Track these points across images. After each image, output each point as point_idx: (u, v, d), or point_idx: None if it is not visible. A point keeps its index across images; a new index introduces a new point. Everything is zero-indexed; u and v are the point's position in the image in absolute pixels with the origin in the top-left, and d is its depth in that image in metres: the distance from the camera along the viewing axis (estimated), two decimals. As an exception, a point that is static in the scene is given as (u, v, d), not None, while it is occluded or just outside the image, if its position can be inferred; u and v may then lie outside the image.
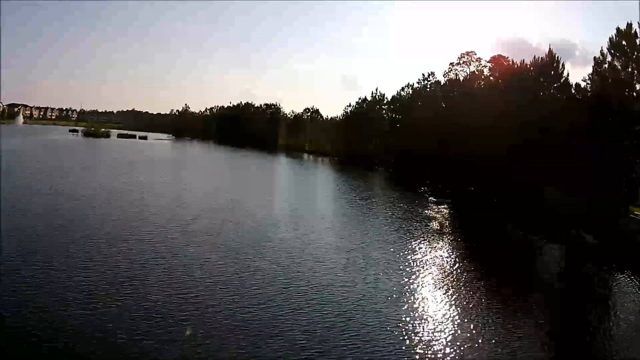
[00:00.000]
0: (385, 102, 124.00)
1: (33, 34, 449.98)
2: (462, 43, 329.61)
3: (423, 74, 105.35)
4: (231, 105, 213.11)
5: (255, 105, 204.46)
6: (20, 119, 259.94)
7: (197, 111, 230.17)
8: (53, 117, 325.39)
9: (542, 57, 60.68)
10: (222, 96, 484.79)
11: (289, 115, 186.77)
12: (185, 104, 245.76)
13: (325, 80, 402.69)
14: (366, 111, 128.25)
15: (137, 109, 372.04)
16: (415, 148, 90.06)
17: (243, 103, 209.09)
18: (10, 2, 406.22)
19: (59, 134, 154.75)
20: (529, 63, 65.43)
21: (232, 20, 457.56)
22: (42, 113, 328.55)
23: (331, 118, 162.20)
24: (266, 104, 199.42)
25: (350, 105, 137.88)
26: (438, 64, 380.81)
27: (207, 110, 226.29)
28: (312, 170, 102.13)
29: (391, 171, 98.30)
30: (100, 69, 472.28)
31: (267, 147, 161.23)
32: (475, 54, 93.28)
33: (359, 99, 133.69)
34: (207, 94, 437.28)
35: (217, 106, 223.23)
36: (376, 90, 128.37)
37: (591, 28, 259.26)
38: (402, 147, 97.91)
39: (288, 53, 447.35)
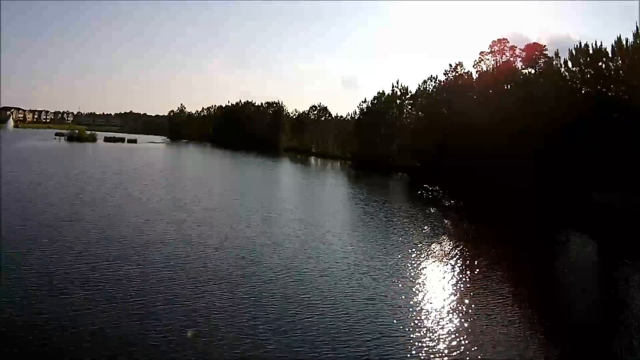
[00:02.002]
0: (408, 96, 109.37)
1: (29, 35, 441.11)
2: (463, 41, 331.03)
3: (450, 64, 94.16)
4: (230, 104, 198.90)
5: (256, 104, 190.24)
6: (11, 122, 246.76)
7: (193, 111, 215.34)
8: (48, 121, 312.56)
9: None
10: (222, 97, 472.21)
11: (292, 115, 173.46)
12: (181, 104, 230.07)
13: (325, 81, 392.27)
14: (385, 108, 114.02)
15: (135, 110, 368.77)
16: (444, 148, 78.63)
17: (242, 102, 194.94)
18: (7, 1, 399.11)
19: (42, 139, 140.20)
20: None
21: (231, 21, 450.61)
22: (36, 116, 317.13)
23: (341, 117, 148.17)
24: (267, 103, 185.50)
25: (365, 101, 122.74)
26: (437, 63, 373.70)
27: (205, 111, 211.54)
28: (323, 178, 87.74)
29: (416, 177, 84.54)
30: (99, 70, 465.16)
31: (269, 150, 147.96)
32: (508, 42, 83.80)
33: (378, 93, 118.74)
34: (206, 95, 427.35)
35: (215, 106, 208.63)
36: (397, 83, 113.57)
37: (590, 23, 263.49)
38: (427, 148, 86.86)
39: (287, 54, 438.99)
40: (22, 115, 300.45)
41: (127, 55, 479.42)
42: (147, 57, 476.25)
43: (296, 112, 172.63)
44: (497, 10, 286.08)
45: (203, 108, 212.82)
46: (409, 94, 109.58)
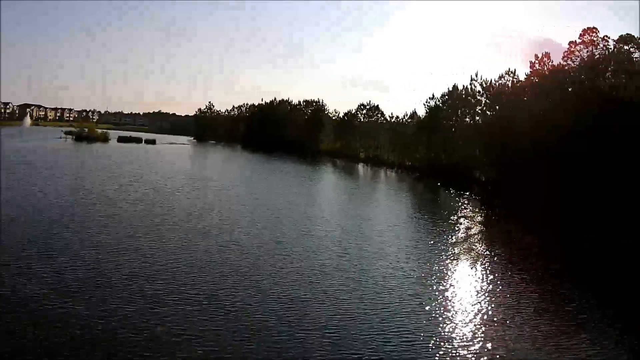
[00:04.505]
0: (490, 92, 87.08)
1: (58, 34, 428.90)
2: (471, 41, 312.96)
3: (537, 55, 76.76)
4: (263, 102, 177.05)
5: (292, 103, 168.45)
6: (28, 120, 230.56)
7: (223, 110, 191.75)
8: (71, 119, 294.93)
9: None
10: (254, 98, 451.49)
11: (332, 116, 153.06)
12: (209, 102, 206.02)
13: (346, 83, 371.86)
14: (454, 107, 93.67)
15: (164, 110, 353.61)
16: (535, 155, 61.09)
17: (277, 100, 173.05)
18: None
19: (49, 138, 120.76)
20: None
21: (264, 21, 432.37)
22: (59, 114, 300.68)
23: (397, 117, 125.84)
24: (306, 101, 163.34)
25: (433, 98, 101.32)
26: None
27: (235, 110, 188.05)
28: (381, 193, 66.13)
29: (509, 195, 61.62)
30: (129, 70, 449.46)
31: (308, 154, 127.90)
32: (599, 32, 72.74)
33: (451, 87, 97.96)
34: (236, 96, 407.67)
35: (247, 104, 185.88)
36: (476, 75, 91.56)
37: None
38: (512, 155, 66.71)
39: (319, 55, 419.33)
40: (43, 113, 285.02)
41: (157, 55, 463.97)
42: (177, 57, 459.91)
43: (336, 112, 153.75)
44: (503, 9, 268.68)
45: (234, 107, 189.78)
46: (492, 88, 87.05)
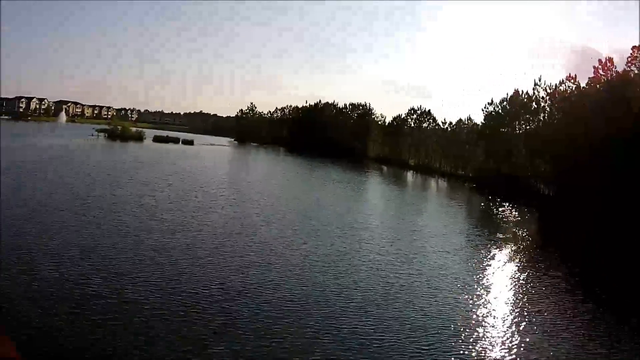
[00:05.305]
0: (555, 98, 77.60)
1: (100, 31, 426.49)
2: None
3: (600, 60, 69.34)
4: (308, 105, 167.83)
5: (338, 106, 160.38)
6: (63, 116, 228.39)
7: (265, 112, 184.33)
8: (109, 117, 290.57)
9: None
10: (297, 101, 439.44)
11: (378, 121, 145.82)
12: (251, 103, 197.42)
13: (390, 87, 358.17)
14: (517, 113, 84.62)
15: (205, 111, 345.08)
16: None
17: (322, 103, 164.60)
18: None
19: (80, 135, 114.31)
20: None
21: (306, 22, 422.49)
22: (96, 112, 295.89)
23: (450, 124, 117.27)
24: (352, 104, 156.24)
25: (492, 103, 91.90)
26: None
27: (278, 111, 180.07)
28: (445, 210, 56.90)
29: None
30: (172, 70, 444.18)
31: (354, 159, 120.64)
32: None
33: (511, 93, 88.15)
34: (279, 98, 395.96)
35: (290, 106, 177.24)
36: (539, 80, 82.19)
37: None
38: (579, 166, 59.57)
39: (355, 57, 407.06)
40: (80, 110, 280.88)
41: (201, 55, 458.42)
42: (220, 57, 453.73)
43: (382, 116, 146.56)
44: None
45: (276, 108, 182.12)
46: (557, 94, 77.54)
